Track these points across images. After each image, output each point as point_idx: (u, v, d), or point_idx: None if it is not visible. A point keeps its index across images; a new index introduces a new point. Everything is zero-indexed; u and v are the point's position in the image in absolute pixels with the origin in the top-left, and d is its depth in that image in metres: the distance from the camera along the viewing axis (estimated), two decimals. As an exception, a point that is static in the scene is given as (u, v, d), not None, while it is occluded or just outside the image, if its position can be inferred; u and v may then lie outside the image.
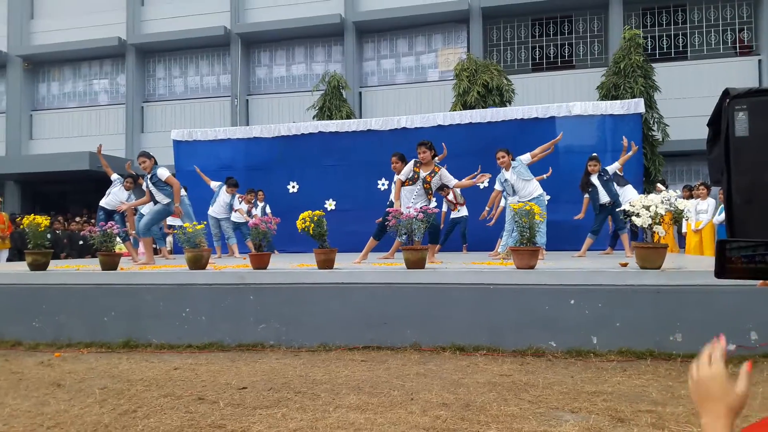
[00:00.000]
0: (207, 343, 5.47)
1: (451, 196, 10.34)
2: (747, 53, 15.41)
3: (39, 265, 6.43)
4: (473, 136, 11.10)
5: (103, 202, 9.13)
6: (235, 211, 10.43)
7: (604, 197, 8.30)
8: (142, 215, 8.89)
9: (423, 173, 7.11)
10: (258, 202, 11.18)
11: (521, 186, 7.68)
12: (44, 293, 6.03)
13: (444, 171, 7.20)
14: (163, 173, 7.79)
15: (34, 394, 4.00)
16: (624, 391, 3.70)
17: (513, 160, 7.82)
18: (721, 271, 1.09)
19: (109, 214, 8.98)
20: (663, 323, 4.65)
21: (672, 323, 4.63)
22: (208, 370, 4.56)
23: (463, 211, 10.55)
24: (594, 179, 8.45)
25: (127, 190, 9.17)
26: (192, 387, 4.06)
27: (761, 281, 1.08)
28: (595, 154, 8.83)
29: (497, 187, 8.26)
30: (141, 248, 9.22)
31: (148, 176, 7.95)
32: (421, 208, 6.00)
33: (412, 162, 7.28)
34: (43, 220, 6.47)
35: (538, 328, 4.87)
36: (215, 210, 10.38)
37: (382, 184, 11.09)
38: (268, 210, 11.15)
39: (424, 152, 7.11)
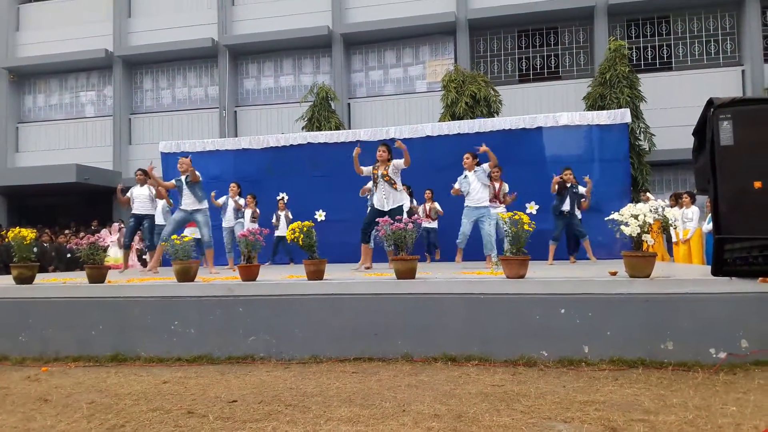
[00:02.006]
0: (196, 355, 5.41)
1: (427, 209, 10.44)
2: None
3: (25, 279, 6.34)
4: (462, 147, 11.11)
5: (133, 210, 9.26)
6: (239, 209, 10.53)
7: (566, 206, 8.87)
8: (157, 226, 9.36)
9: (381, 171, 7.87)
10: (279, 211, 11.20)
11: (478, 189, 8.36)
12: (31, 307, 5.95)
13: (395, 161, 7.87)
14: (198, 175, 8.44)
15: (20, 410, 3.93)
16: (616, 401, 3.70)
17: (478, 165, 8.41)
18: (717, 271, 1.10)
19: (140, 221, 9.19)
20: (654, 332, 4.66)
21: (663, 331, 4.64)
22: (197, 384, 4.51)
23: (434, 224, 10.60)
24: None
25: (140, 183, 9.28)
26: (181, 401, 4.01)
27: (761, 279, 1.09)
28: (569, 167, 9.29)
29: (456, 185, 8.71)
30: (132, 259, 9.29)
31: (185, 177, 8.38)
32: (412, 218, 6.02)
33: (371, 167, 8.04)
34: (28, 233, 6.39)
35: (530, 338, 4.87)
36: (228, 219, 10.48)
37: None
38: (290, 216, 11.17)
39: (384, 152, 7.92)
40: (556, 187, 9.00)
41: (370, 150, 11.36)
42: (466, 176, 8.49)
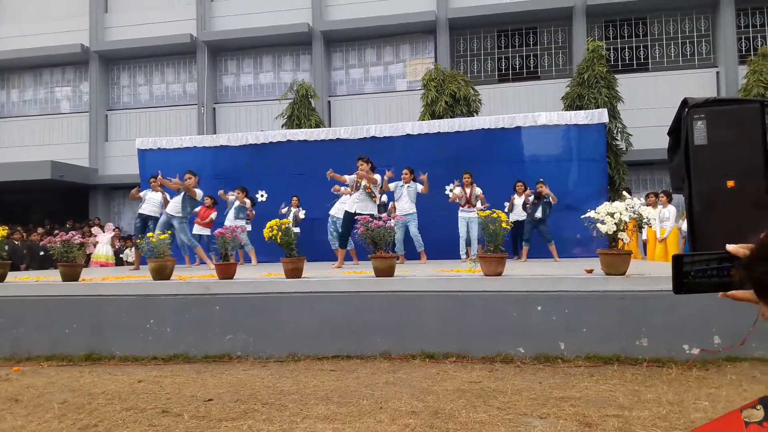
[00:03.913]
0: (172, 354, 5.35)
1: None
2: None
3: (-4, 277, 6.23)
4: (441, 146, 11.19)
5: (141, 210, 9.69)
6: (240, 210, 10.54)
7: (538, 213, 9.48)
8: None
9: (363, 183, 8.32)
10: (292, 207, 11.08)
11: (406, 200, 9.35)
12: (1, 306, 5.83)
13: (377, 177, 8.45)
14: (199, 193, 9.13)
15: (-10, 410, 3.86)
16: (591, 396, 3.73)
17: (414, 180, 9.40)
18: (678, 287, 1.10)
19: (145, 221, 9.54)
20: (628, 328, 4.71)
21: (637, 328, 4.70)
22: (172, 383, 4.46)
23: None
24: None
25: (153, 189, 9.75)
26: (156, 400, 3.96)
27: (721, 293, 1.09)
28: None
29: (391, 185, 9.48)
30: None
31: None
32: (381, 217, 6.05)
33: (355, 174, 8.44)
34: None
35: (507, 335, 4.90)
36: (230, 218, 10.32)
37: (351, 193, 11.06)
38: (301, 215, 11.05)
39: (361, 165, 8.31)
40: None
41: (350, 147, 11.45)
42: (402, 186, 9.47)
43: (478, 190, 9.67)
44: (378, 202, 8.74)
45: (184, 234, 9.00)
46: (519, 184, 9.95)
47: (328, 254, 10.29)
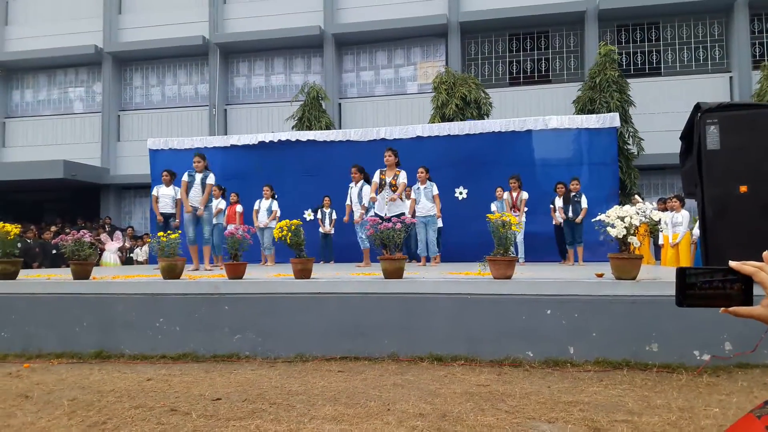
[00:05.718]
0: (181, 353, 5.37)
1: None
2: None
3: (8, 275, 6.27)
4: (451, 148, 11.19)
5: (161, 210, 9.39)
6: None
7: (570, 213, 9.45)
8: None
9: (388, 179, 8.16)
10: (325, 209, 11.10)
11: (425, 201, 9.13)
12: (13, 303, 5.88)
13: (403, 173, 8.24)
14: (212, 179, 8.60)
15: (1, 406, 3.88)
16: (600, 401, 3.70)
17: (429, 179, 9.22)
18: (681, 300, 1.10)
19: (166, 219, 9.28)
20: (639, 333, 4.68)
21: (648, 333, 4.66)
22: (181, 381, 4.48)
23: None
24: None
25: (165, 184, 9.41)
26: (164, 398, 3.98)
27: (722, 308, 1.08)
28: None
29: (413, 195, 9.35)
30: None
31: (200, 175, 8.60)
32: (400, 217, 6.05)
33: (377, 171, 8.30)
34: (12, 229, 6.32)
35: (516, 338, 4.88)
36: (261, 219, 10.38)
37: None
38: (334, 216, 11.08)
39: (389, 156, 8.21)
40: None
41: (360, 149, 11.46)
42: (419, 188, 9.24)
43: (524, 195, 9.60)
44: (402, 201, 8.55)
45: (209, 225, 8.77)
46: (560, 186, 9.72)
47: (336, 255, 10.31)
